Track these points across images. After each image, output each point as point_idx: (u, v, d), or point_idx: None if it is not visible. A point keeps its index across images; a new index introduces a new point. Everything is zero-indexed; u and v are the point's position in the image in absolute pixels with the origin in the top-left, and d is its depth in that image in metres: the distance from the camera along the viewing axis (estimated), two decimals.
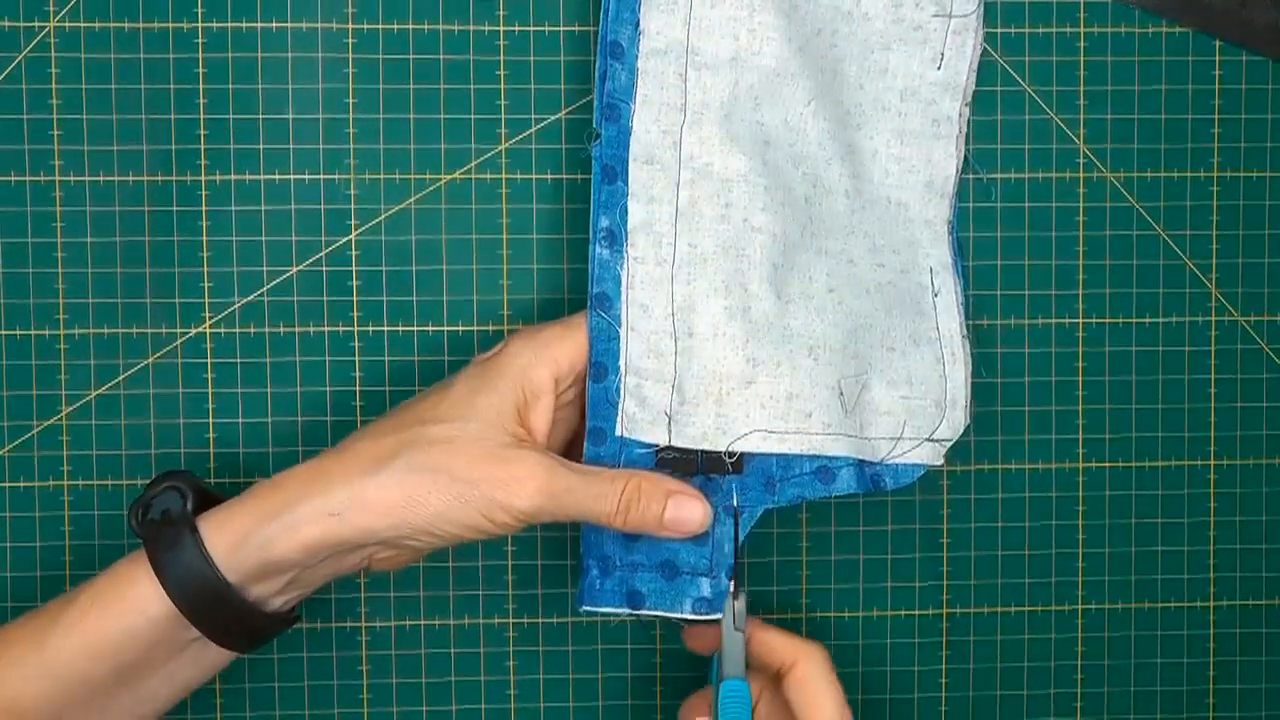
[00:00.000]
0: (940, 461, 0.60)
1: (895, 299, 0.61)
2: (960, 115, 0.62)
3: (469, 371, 0.58)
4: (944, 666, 0.66)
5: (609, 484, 0.57)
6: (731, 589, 0.59)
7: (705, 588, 0.59)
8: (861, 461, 0.60)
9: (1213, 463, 0.66)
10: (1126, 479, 0.66)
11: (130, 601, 0.55)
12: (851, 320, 0.60)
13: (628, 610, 0.59)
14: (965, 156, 0.63)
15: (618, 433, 0.59)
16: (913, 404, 0.60)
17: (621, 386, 0.59)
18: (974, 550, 0.66)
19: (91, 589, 0.55)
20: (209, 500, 0.57)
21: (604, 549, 0.59)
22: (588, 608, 0.60)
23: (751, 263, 0.59)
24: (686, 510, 0.57)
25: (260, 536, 0.54)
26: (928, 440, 0.60)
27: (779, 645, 0.59)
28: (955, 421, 0.60)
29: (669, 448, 0.59)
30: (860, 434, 0.59)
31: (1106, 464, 0.66)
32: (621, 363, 0.59)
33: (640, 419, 0.59)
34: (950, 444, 0.60)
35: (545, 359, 0.58)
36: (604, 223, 0.60)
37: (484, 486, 0.55)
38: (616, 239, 0.60)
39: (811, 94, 0.60)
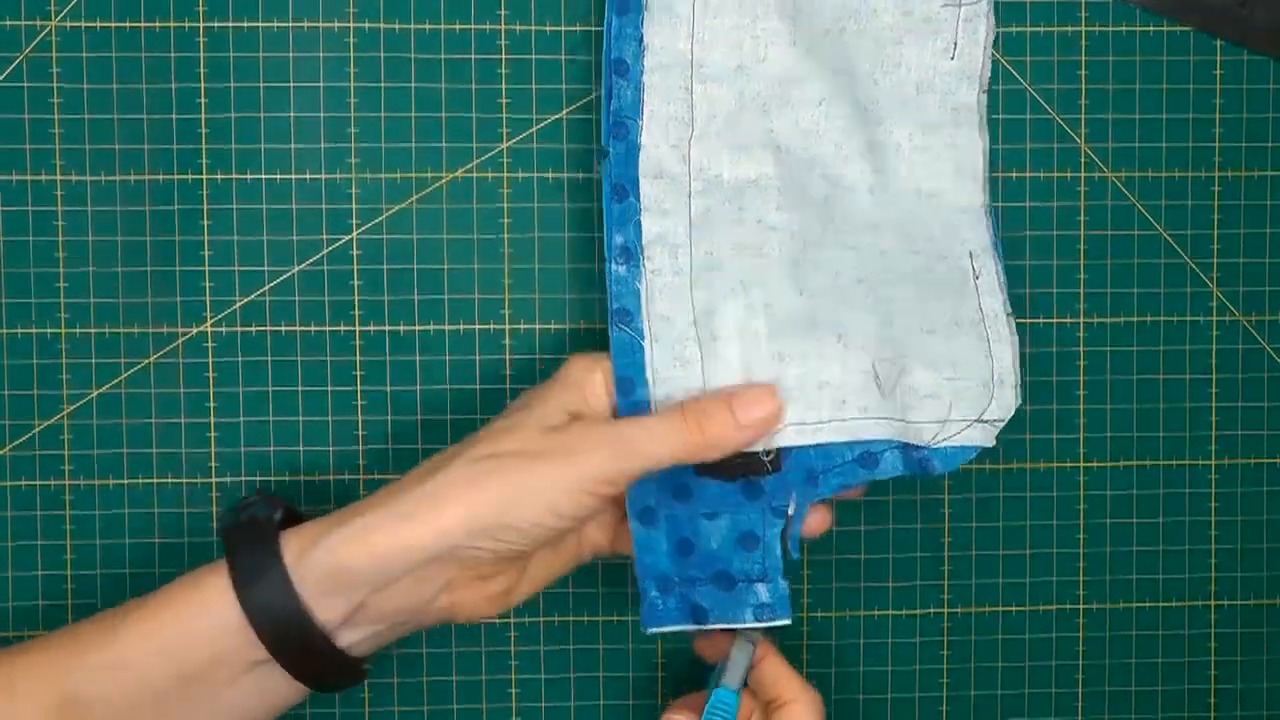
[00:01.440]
0: (992, 442, 0.59)
1: (932, 284, 0.60)
2: (980, 102, 0.62)
3: (527, 390, 0.59)
4: (945, 666, 0.66)
5: (673, 413, 0.55)
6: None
7: (763, 593, 0.58)
8: (906, 445, 0.58)
9: (1214, 462, 0.66)
10: (1127, 478, 0.66)
11: (199, 602, 0.54)
12: (884, 306, 0.59)
13: (694, 626, 0.59)
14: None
15: None
16: (959, 385, 0.59)
17: (651, 399, 0.58)
18: (974, 550, 0.66)
19: (168, 587, 0.55)
20: (295, 518, 0.57)
21: (659, 567, 0.58)
22: (654, 629, 0.59)
23: (770, 259, 0.59)
24: (756, 406, 0.56)
25: (329, 540, 0.53)
26: (978, 421, 0.59)
27: (784, 678, 0.58)
28: (1005, 401, 0.59)
29: None
30: (902, 418, 0.58)
31: (1107, 464, 0.66)
32: (649, 374, 0.58)
33: None
34: (1002, 424, 0.59)
35: (600, 367, 0.58)
36: (618, 240, 0.60)
37: (549, 454, 0.53)
38: (633, 255, 0.59)
39: (823, 94, 0.60)
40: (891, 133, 0.61)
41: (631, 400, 0.58)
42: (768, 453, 0.58)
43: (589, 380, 0.58)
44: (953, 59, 0.61)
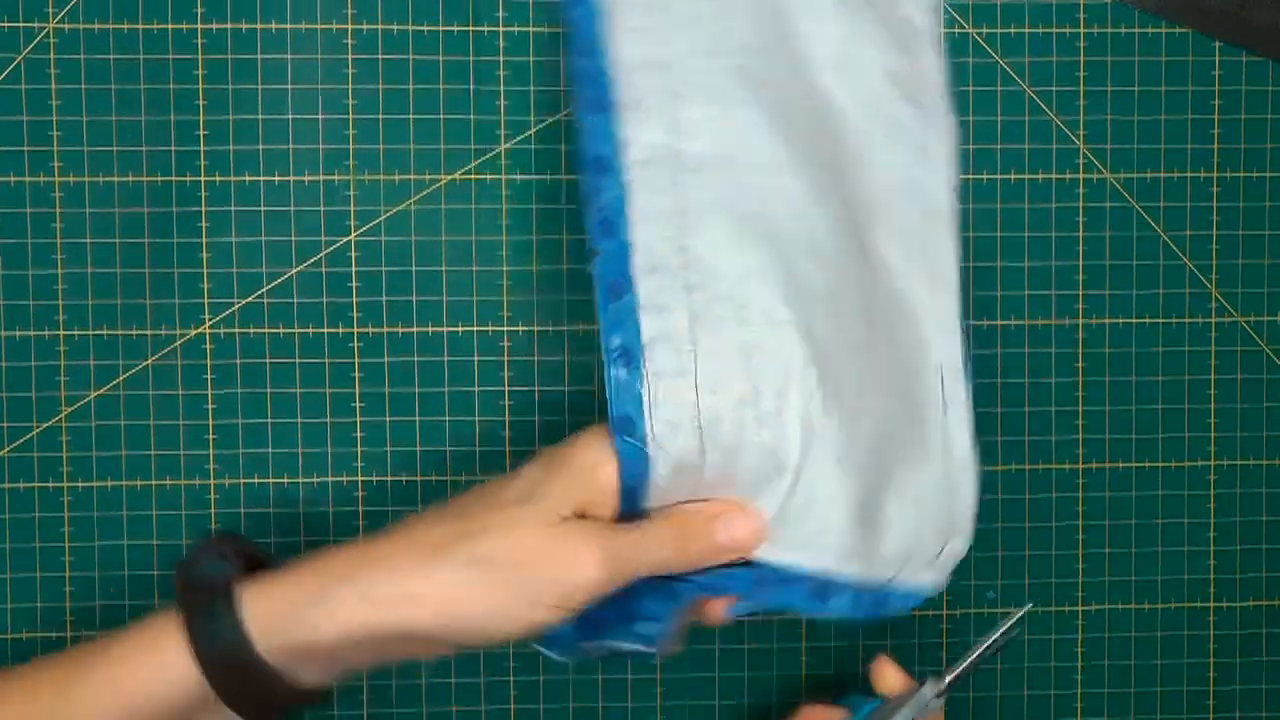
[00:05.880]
0: (943, 588, 0.57)
1: (911, 406, 0.57)
2: (951, 206, 0.59)
3: (536, 459, 0.55)
4: (944, 667, 0.66)
5: (663, 526, 0.54)
6: (943, 683, 0.58)
7: (651, 629, 0.56)
8: (861, 588, 0.56)
9: (1213, 463, 0.66)
10: (1126, 479, 0.66)
11: (157, 666, 0.52)
12: (877, 426, 0.56)
13: (589, 643, 0.56)
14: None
15: None
16: (921, 529, 0.56)
17: (651, 509, 0.56)
18: (973, 551, 0.66)
19: (123, 641, 0.53)
20: (256, 564, 0.55)
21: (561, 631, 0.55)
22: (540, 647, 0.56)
23: (777, 361, 0.55)
24: (738, 529, 0.55)
25: (296, 617, 0.52)
26: (935, 560, 0.57)
27: None
28: (955, 549, 0.57)
29: None
30: (877, 552, 0.56)
31: (1106, 464, 0.66)
32: (650, 485, 0.55)
33: None
34: (952, 569, 0.57)
35: (614, 458, 0.55)
36: (616, 341, 0.55)
37: (539, 565, 0.52)
38: (632, 356, 0.55)
39: (811, 186, 0.57)
40: (873, 231, 0.58)
41: (633, 508, 0.55)
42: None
43: (598, 474, 0.55)
44: (924, 162, 0.59)
